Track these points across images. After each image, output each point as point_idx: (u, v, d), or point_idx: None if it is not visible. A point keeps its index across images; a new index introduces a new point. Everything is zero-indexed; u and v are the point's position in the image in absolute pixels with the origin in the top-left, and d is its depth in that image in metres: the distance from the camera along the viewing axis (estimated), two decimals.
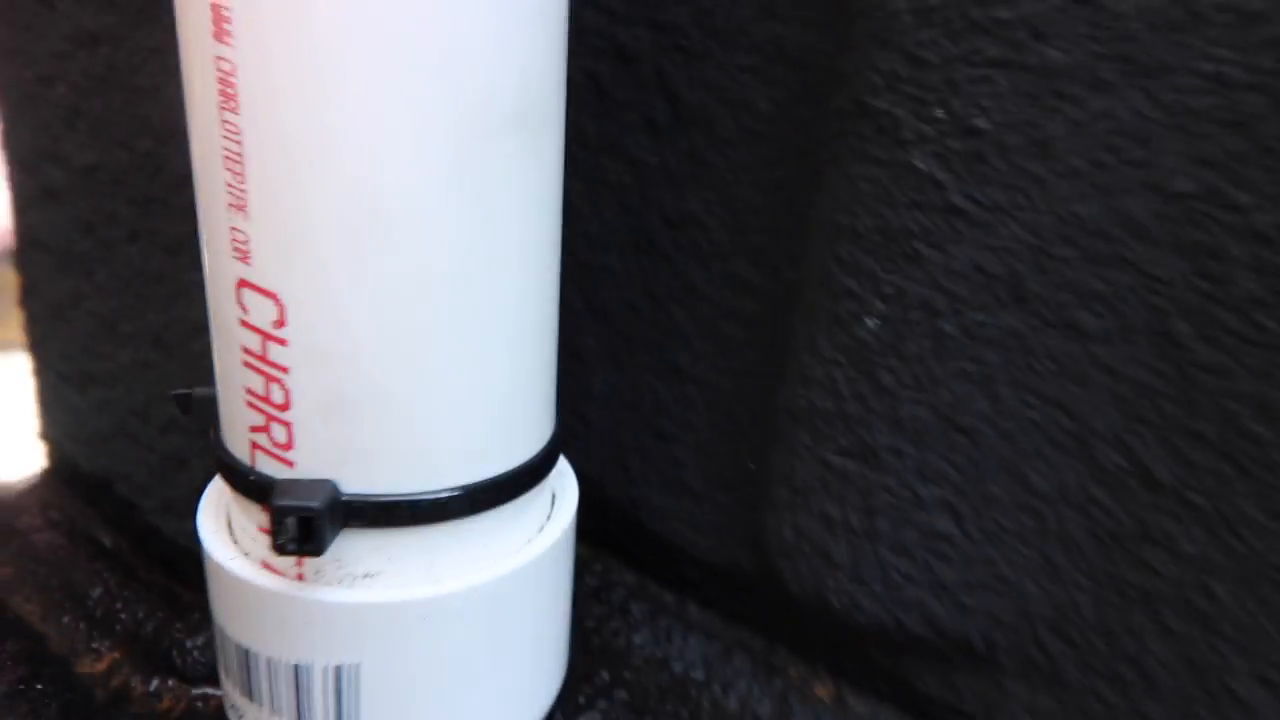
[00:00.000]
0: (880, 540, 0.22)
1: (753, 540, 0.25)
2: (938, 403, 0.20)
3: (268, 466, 0.18)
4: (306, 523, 0.17)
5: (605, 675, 0.26)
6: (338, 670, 0.19)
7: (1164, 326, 0.18)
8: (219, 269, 0.17)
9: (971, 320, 0.19)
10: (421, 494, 0.18)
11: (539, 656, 0.22)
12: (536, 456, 0.20)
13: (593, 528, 0.30)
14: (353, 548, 0.18)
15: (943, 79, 0.18)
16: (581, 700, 0.25)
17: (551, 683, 0.23)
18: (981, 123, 0.18)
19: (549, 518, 0.22)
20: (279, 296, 0.17)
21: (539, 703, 0.22)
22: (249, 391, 0.18)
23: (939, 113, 0.18)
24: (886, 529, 0.21)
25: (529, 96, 0.17)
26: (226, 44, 0.15)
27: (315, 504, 0.17)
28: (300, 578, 0.19)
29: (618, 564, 0.29)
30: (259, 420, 0.18)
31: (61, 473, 0.32)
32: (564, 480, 0.23)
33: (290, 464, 0.18)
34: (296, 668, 0.19)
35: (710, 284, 0.25)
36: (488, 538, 0.20)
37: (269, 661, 0.19)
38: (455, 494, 0.18)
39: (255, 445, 0.18)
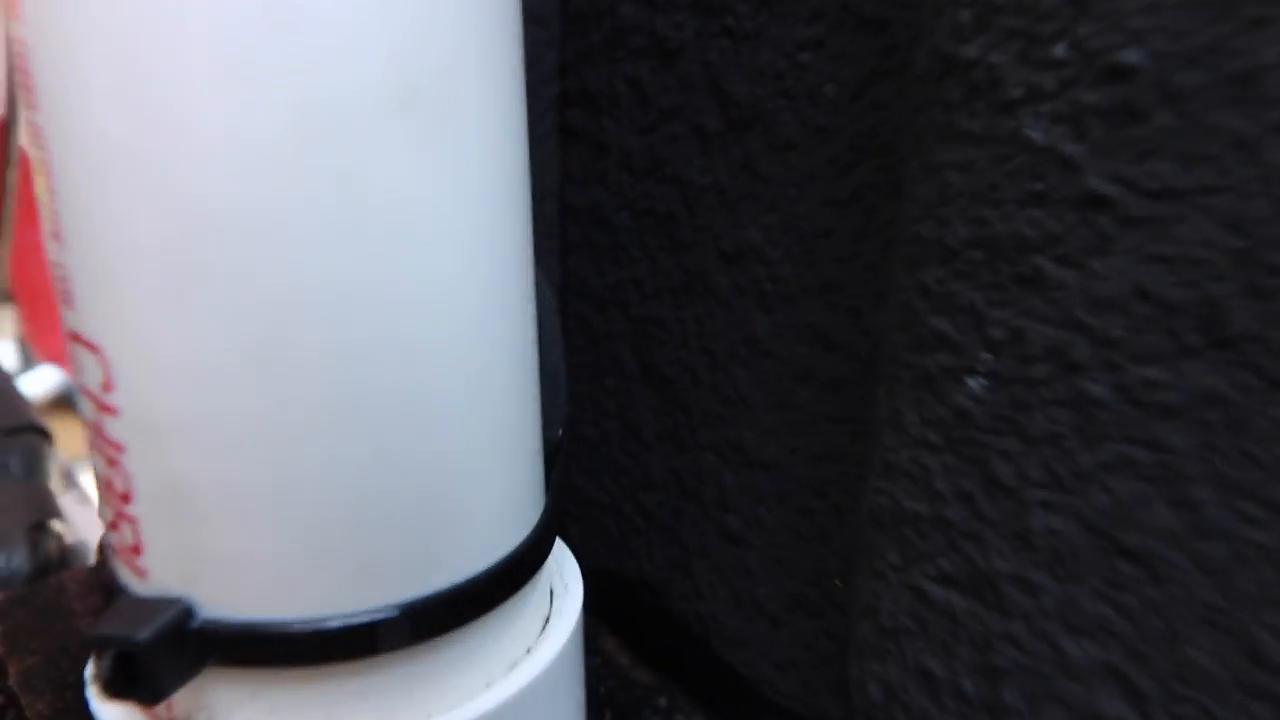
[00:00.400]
0: None
1: (843, 687, 0.18)
2: (1087, 510, 0.13)
3: (125, 577, 0.14)
4: (127, 660, 0.12)
5: None
6: None
7: None
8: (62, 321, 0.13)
9: (1136, 379, 0.12)
10: (304, 622, 0.13)
11: None
12: (498, 563, 0.15)
13: (657, 650, 0.24)
14: (223, 693, 0.14)
15: None
16: None
17: None
18: (1132, 56, 0.11)
19: (528, 650, 0.16)
20: (102, 350, 0.12)
21: None
22: (98, 478, 0.14)
23: (1059, 50, 0.12)
24: (1019, 704, 0.14)
25: (420, 68, 0.12)
26: (17, 20, 0.12)
27: (139, 635, 0.12)
28: None
29: (687, 700, 0.23)
30: (110, 516, 0.14)
31: None
32: (563, 592, 0.17)
33: (142, 574, 0.13)
34: None
35: (776, 335, 0.18)
36: (419, 679, 0.14)
37: None
38: (356, 622, 0.13)
39: (114, 548, 0.14)
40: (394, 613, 0.14)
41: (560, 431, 0.19)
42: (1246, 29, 0.10)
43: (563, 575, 0.18)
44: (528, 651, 0.16)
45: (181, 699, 0.14)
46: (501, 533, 0.15)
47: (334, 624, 0.13)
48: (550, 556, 0.17)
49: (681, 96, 0.19)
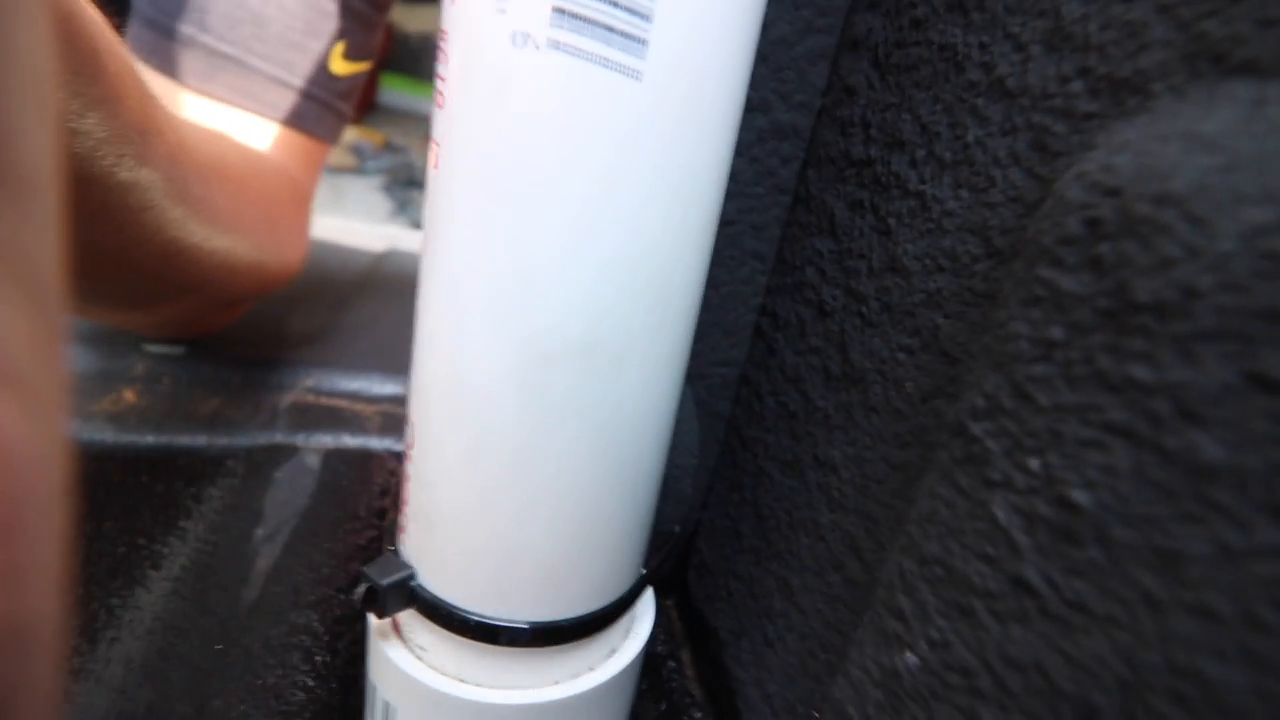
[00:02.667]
0: None
1: None
2: None
3: (397, 540, 0.17)
4: (373, 589, 0.15)
5: None
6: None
7: None
8: None
9: None
10: (469, 611, 0.15)
11: None
12: (601, 608, 0.16)
13: (717, 684, 0.23)
14: (419, 627, 0.16)
15: (1047, 426, 0.10)
16: None
17: None
18: (1080, 497, 0.10)
19: (612, 652, 0.17)
20: (414, 426, 0.15)
21: None
22: (400, 485, 0.17)
23: (1034, 463, 0.10)
24: None
25: (597, 334, 0.13)
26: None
27: (381, 580, 0.15)
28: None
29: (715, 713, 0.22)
30: (398, 506, 0.17)
31: None
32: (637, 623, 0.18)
33: (402, 543, 0.17)
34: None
35: (831, 529, 0.18)
36: (538, 662, 0.16)
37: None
38: (489, 622, 0.15)
39: (397, 524, 0.17)
40: (525, 626, 0.15)
41: (677, 529, 0.20)
42: (1185, 519, 0.09)
43: (641, 611, 0.19)
44: (611, 653, 0.17)
45: (399, 620, 0.17)
46: (586, 595, 0.16)
47: (477, 620, 0.15)
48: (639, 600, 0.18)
49: (824, 342, 0.19)
